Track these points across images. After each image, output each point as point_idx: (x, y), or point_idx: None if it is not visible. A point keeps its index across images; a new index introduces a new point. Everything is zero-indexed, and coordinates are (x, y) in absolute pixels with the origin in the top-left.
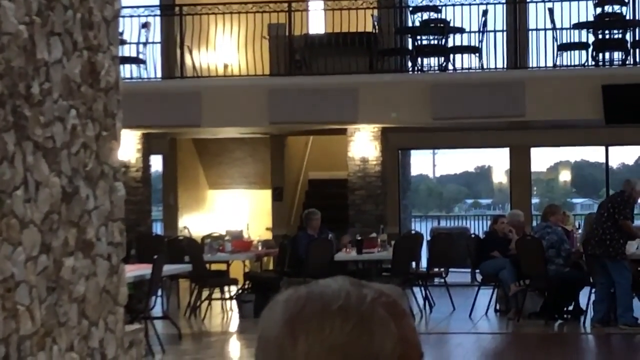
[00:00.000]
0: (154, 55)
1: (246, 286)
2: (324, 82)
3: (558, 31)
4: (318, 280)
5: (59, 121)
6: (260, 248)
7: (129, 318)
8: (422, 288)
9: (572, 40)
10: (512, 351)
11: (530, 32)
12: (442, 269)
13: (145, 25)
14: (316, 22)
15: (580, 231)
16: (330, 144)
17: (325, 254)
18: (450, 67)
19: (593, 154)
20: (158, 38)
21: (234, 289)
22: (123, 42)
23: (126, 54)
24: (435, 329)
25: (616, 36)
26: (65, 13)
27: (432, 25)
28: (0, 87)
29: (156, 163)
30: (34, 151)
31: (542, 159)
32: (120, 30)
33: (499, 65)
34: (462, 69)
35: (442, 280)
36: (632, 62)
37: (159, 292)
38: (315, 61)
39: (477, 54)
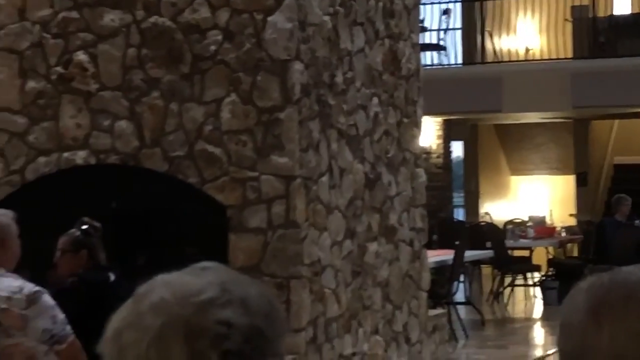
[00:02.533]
0: (454, 42)
1: (550, 273)
2: (630, 64)
3: None
4: (621, 267)
5: (361, 109)
6: (563, 234)
7: (431, 303)
8: None
9: None
10: None
11: None
12: None
13: (445, 12)
14: (621, 3)
15: None
16: (639, 127)
17: (632, 240)
18: None
19: None
20: (458, 24)
21: (537, 276)
22: (424, 30)
23: (427, 41)
24: None
25: None
26: (368, 2)
27: None
28: (306, 76)
29: (457, 149)
30: (338, 139)
31: None
32: (421, 17)
33: None
34: None
35: None
36: None
37: (461, 278)
38: (621, 43)
39: None
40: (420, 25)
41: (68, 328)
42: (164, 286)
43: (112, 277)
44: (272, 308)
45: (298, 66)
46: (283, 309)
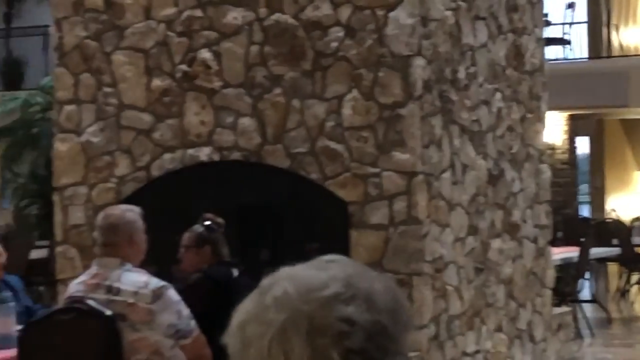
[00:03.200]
0: (579, 35)
1: None
2: None
3: None
4: None
5: (484, 104)
6: None
7: (556, 301)
8: None
9: None
10: None
11: None
12: None
13: (570, 6)
14: None
15: None
16: None
17: None
18: None
19: None
20: (584, 17)
21: None
22: (548, 24)
23: (551, 36)
24: None
25: None
26: None
27: None
28: (428, 72)
29: (583, 145)
30: (460, 134)
31: None
32: (545, 11)
33: None
34: None
35: None
36: None
37: (587, 276)
38: None
39: None
40: (545, 19)
41: (193, 323)
42: (288, 279)
43: (235, 272)
44: (397, 304)
45: (420, 62)
46: (406, 301)
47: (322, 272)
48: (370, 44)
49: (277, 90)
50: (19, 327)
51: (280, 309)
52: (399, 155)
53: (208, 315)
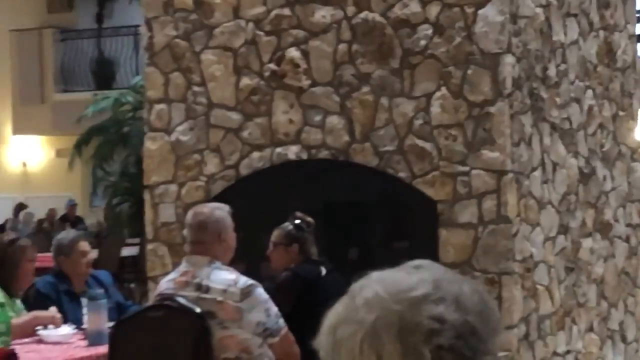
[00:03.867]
0: None
1: None
2: None
3: None
4: None
5: (575, 102)
6: None
7: None
8: None
9: None
10: None
11: None
12: None
13: None
14: None
15: None
16: None
17: None
18: None
19: None
20: None
21: None
22: None
23: None
24: None
25: None
26: None
27: None
28: (518, 70)
29: None
30: (550, 132)
31: None
32: (638, 7)
33: None
34: None
35: None
36: None
37: None
38: None
39: None
40: (637, 15)
41: (281, 321)
42: (378, 282)
43: (323, 271)
44: (485, 306)
45: (509, 59)
46: (495, 306)
47: (411, 275)
48: (459, 41)
49: (365, 89)
50: (110, 323)
51: (371, 309)
52: (489, 154)
53: (296, 313)
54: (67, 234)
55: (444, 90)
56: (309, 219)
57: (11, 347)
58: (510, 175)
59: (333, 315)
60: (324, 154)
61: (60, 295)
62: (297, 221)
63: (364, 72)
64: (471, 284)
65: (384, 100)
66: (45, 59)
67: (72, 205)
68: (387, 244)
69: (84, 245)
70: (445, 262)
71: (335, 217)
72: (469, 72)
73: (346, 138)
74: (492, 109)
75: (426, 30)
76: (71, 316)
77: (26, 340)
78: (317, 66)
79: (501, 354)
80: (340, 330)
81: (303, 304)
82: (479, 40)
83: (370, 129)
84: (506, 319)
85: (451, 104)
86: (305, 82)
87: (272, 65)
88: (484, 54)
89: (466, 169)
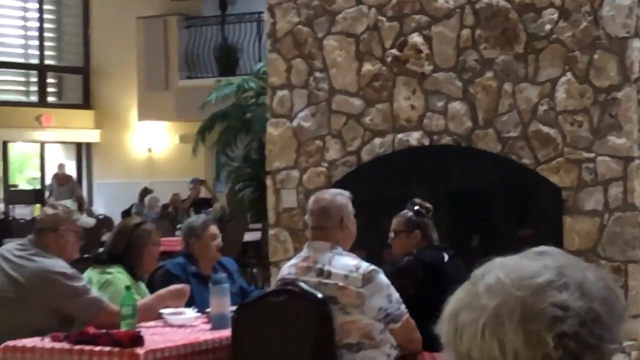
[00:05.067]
0: None
1: None
2: None
3: None
4: None
5: None
6: None
7: None
8: None
9: None
10: None
11: None
12: None
13: None
14: None
15: None
16: None
17: None
18: None
19: None
20: None
21: None
22: None
23: None
24: None
25: None
26: None
27: None
28: None
29: None
30: None
31: None
32: None
33: None
34: None
35: None
36: None
37: None
38: None
39: None
40: None
41: (403, 307)
42: (500, 268)
43: (446, 257)
44: (610, 293)
45: (637, 44)
46: (621, 293)
47: (534, 262)
48: (585, 26)
49: (489, 74)
50: (233, 307)
51: (493, 295)
52: (615, 140)
53: (418, 298)
54: (197, 217)
55: (569, 75)
56: (428, 205)
57: (137, 329)
58: (637, 161)
59: (455, 301)
60: (446, 140)
61: (189, 276)
62: (416, 207)
63: (487, 58)
64: (596, 271)
65: (508, 86)
66: (170, 45)
67: (196, 183)
68: (511, 232)
69: (214, 229)
70: (570, 250)
71: (457, 203)
72: (595, 56)
73: (469, 124)
74: (618, 95)
75: (551, 14)
76: (198, 299)
77: (150, 323)
78: (439, 51)
79: (626, 343)
80: (462, 316)
81: (425, 289)
82: (605, 24)
83: (493, 114)
84: (632, 308)
85: (576, 90)
86: (428, 68)
87: (394, 51)
88: (611, 39)
89: (591, 155)
